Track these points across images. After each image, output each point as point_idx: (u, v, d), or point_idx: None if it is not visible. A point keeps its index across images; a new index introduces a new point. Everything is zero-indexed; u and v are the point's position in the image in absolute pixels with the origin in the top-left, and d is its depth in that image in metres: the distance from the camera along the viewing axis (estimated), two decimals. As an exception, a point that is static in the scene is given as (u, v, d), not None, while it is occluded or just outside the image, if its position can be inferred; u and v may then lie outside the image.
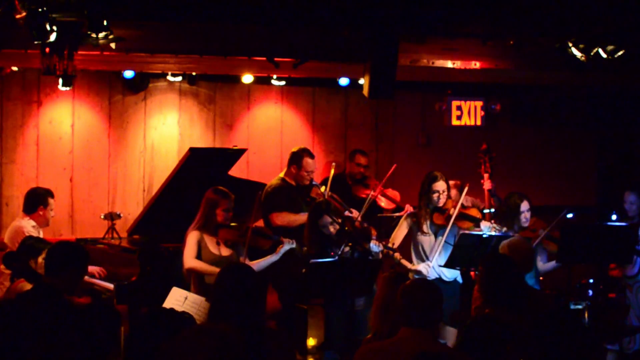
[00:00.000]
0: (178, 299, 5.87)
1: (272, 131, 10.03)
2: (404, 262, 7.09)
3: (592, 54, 6.88)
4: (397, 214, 7.90)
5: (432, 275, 6.97)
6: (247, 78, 9.32)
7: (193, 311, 5.64)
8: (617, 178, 10.52)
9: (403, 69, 7.36)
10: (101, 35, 6.10)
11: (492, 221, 7.21)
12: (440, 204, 7.09)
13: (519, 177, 10.25)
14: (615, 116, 10.68)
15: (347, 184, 9.07)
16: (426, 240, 7.11)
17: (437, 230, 7.10)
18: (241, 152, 8.38)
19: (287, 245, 6.79)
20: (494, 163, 7.88)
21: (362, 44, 6.95)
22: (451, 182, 7.43)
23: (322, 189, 7.92)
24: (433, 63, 7.90)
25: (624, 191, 8.17)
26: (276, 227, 7.51)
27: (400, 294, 4.38)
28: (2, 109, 9.14)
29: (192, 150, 7.89)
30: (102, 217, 8.47)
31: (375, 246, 6.89)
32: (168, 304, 5.78)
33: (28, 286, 5.44)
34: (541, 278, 7.19)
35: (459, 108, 10.22)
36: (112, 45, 6.57)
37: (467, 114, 10.23)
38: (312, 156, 7.94)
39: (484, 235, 6.75)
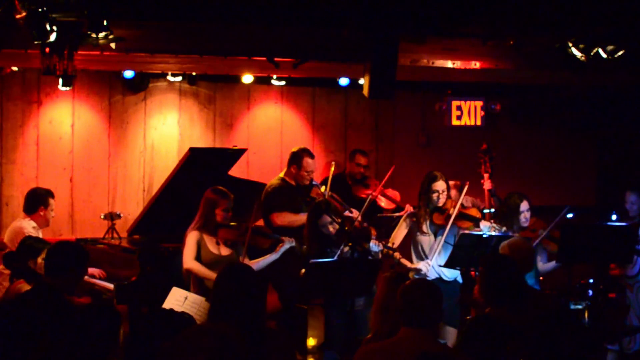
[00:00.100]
0: (178, 299, 5.87)
1: (272, 131, 10.04)
2: (404, 261, 7.09)
3: (592, 54, 6.88)
4: (397, 214, 7.89)
5: (432, 274, 6.97)
6: (247, 78, 9.32)
7: (193, 311, 5.64)
8: (617, 178, 10.52)
9: (403, 69, 7.36)
10: (101, 35, 6.11)
11: (492, 221, 7.21)
12: (440, 204, 7.09)
13: (519, 177, 10.24)
14: (615, 116, 10.67)
15: (347, 184, 9.07)
16: (426, 240, 7.11)
17: (437, 230, 7.10)
18: (241, 152, 8.38)
19: (287, 244, 6.79)
20: (494, 163, 7.87)
21: (362, 44, 6.95)
22: (451, 183, 7.43)
23: (322, 188, 7.92)
24: (433, 63, 7.91)
25: (624, 191, 8.17)
26: (277, 227, 7.51)
27: (400, 294, 4.38)
28: (2, 109, 9.14)
29: (192, 150, 7.89)
30: (102, 217, 8.48)
31: (375, 246, 6.89)
32: (168, 304, 5.78)
33: (27, 287, 5.44)
34: (541, 278, 7.19)
35: (459, 108, 10.21)
36: (112, 45, 6.57)
37: (467, 114, 10.22)
38: (312, 156, 7.94)
39: (484, 235, 6.74)
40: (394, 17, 6.65)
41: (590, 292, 7.36)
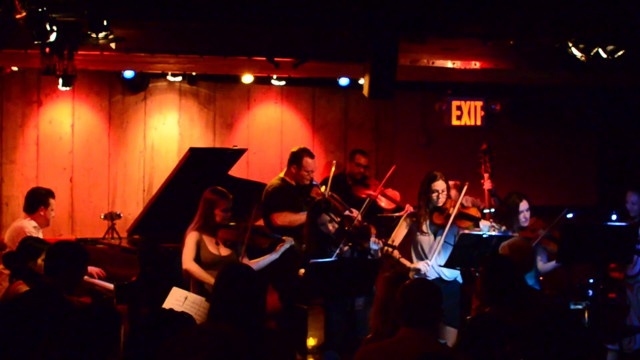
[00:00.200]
0: (178, 299, 5.86)
1: (272, 131, 10.03)
2: (403, 260, 7.09)
3: (592, 54, 6.88)
4: (397, 214, 7.90)
5: (432, 274, 6.97)
6: (247, 78, 9.32)
7: (193, 311, 5.64)
8: (617, 178, 10.52)
9: (403, 69, 7.36)
10: (101, 35, 6.11)
11: (492, 220, 7.21)
12: (440, 204, 7.08)
13: (519, 177, 10.25)
14: (615, 116, 10.68)
15: (347, 184, 9.07)
16: (425, 240, 7.11)
17: (437, 230, 7.10)
18: (241, 152, 8.38)
19: (287, 244, 6.80)
20: (494, 163, 7.88)
21: (362, 44, 6.95)
22: (451, 183, 7.43)
23: (322, 188, 7.92)
24: (433, 63, 7.91)
25: (624, 191, 8.17)
26: (277, 227, 7.51)
27: (399, 294, 4.38)
28: (2, 109, 9.14)
29: (192, 150, 7.89)
30: (102, 217, 8.47)
31: (374, 244, 6.89)
32: (168, 304, 5.78)
33: (25, 288, 5.43)
34: (541, 278, 7.19)
35: (459, 108, 10.21)
36: (112, 45, 6.57)
37: (467, 114, 10.22)
38: (312, 156, 7.94)
39: (484, 235, 6.75)
40: (394, 17, 6.65)
41: (590, 292, 7.37)
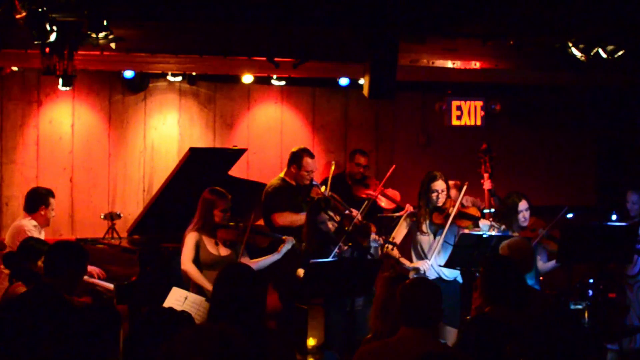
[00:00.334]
0: (178, 299, 5.86)
1: (272, 131, 10.03)
2: (403, 260, 7.09)
3: (592, 54, 6.89)
4: (397, 214, 7.90)
5: (431, 274, 6.97)
6: (247, 78, 9.32)
7: (193, 311, 5.64)
8: (617, 178, 10.53)
9: (403, 69, 7.36)
10: (101, 35, 6.11)
11: (491, 220, 7.21)
12: (440, 204, 7.09)
13: (519, 177, 10.25)
14: (615, 116, 10.68)
15: (347, 184, 9.07)
16: (425, 239, 7.11)
17: (437, 230, 7.10)
18: (241, 152, 8.38)
19: (288, 244, 6.80)
20: (494, 163, 7.88)
21: (362, 44, 6.95)
22: (451, 183, 7.43)
23: (322, 188, 7.92)
24: (433, 63, 7.91)
25: (624, 191, 8.18)
26: (278, 227, 7.51)
27: (399, 294, 4.38)
28: (2, 109, 9.13)
29: (192, 150, 7.89)
30: (102, 217, 8.47)
31: (374, 241, 6.88)
32: (168, 304, 5.77)
33: (23, 290, 5.43)
34: (541, 278, 7.20)
35: (459, 108, 10.21)
36: (112, 45, 6.57)
37: (467, 114, 10.23)
38: (312, 156, 7.94)
39: (484, 235, 6.75)
40: (394, 17, 6.65)
41: (590, 292, 7.37)
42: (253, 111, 10.00)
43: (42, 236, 7.44)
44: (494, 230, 6.98)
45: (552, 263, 7.12)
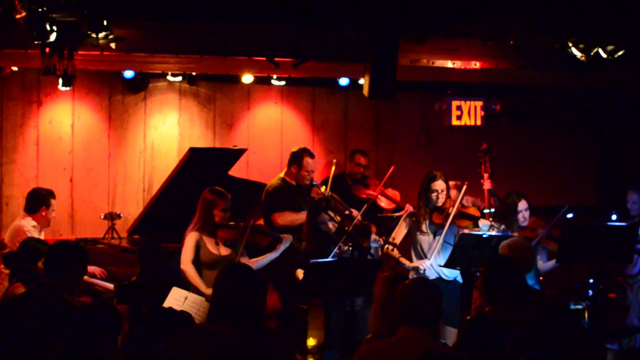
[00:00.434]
0: (178, 299, 5.87)
1: (272, 131, 10.03)
2: (403, 260, 7.09)
3: (592, 54, 6.89)
4: (397, 214, 7.90)
5: (431, 274, 6.97)
6: (247, 78, 9.32)
7: (193, 311, 5.64)
8: (617, 178, 10.53)
9: (403, 69, 7.36)
10: (101, 35, 6.11)
11: (491, 220, 7.22)
12: (440, 204, 7.08)
13: (519, 177, 10.25)
14: (615, 116, 10.68)
15: (347, 184, 9.07)
16: (425, 239, 7.11)
17: (436, 230, 7.10)
18: (241, 152, 8.38)
19: (286, 242, 6.80)
20: (494, 163, 7.88)
21: (362, 44, 6.95)
22: (451, 183, 7.42)
23: (322, 188, 7.92)
24: (433, 63, 7.91)
25: (623, 191, 8.18)
26: (278, 227, 7.51)
27: (399, 294, 4.38)
28: (2, 109, 9.13)
29: (192, 150, 7.89)
30: (102, 217, 8.47)
31: (375, 242, 6.88)
32: (168, 304, 5.78)
33: (23, 290, 5.43)
34: (541, 278, 7.20)
35: (459, 108, 10.21)
36: (112, 45, 6.57)
37: (467, 114, 10.23)
38: (312, 156, 7.94)
39: (484, 236, 6.75)
40: (394, 17, 6.65)
41: (590, 292, 7.37)
42: (253, 111, 10.00)
43: (41, 236, 7.44)
44: (493, 230, 6.98)
45: (552, 263, 7.12)
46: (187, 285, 6.42)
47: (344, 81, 9.64)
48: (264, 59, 7.51)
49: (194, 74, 9.41)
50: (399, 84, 7.34)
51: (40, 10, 5.80)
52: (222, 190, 6.66)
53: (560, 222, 7.18)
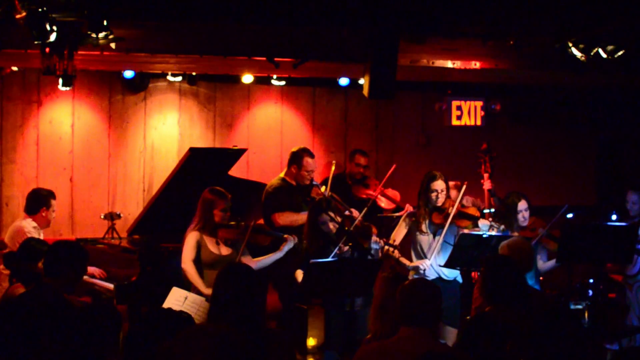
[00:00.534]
0: (178, 299, 5.87)
1: (272, 131, 10.04)
2: (403, 259, 7.08)
3: (592, 54, 6.89)
4: (397, 214, 7.90)
5: (431, 274, 6.97)
6: (247, 78, 9.32)
7: (193, 311, 5.64)
8: (617, 178, 10.53)
9: (403, 69, 7.36)
10: (101, 35, 6.11)
11: (491, 220, 7.21)
12: (439, 204, 7.08)
13: (519, 177, 10.25)
14: (615, 116, 10.68)
15: (347, 184, 9.07)
16: (425, 239, 7.11)
17: (436, 230, 7.09)
18: (241, 152, 8.38)
19: (290, 243, 6.80)
20: (494, 163, 7.88)
21: (362, 44, 6.95)
22: (451, 183, 7.42)
23: (322, 188, 7.92)
24: (433, 63, 7.91)
25: (624, 191, 8.18)
26: (278, 227, 7.51)
27: (399, 294, 4.38)
28: (2, 109, 9.14)
29: (192, 150, 7.89)
30: (102, 217, 8.48)
31: (375, 243, 6.88)
32: (168, 304, 5.78)
33: (22, 291, 5.43)
34: (541, 278, 7.19)
35: (459, 108, 10.22)
36: (112, 45, 6.57)
37: (467, 114, 10.23)
38: (312, 156, 7.94)
39: (484, 236, 6.75)
40: (394, 17, 6.65)
41: (590, 292, 7.37)
42: (253, 111, 10.00)
43: (41, 237, 7.44)
44: (493, 230, 6.98)
45: (552, 263, 7.12)
46: (187, 285, 6.42)
47: (344, 81, 9.65)
48: (264, 59, 7.51)
49: (194, 74, 9.41)
50: (399, 84, 7.34)
51: (40, 10, 5.80)
52: (222, 190, 6.66)
53: (560, 221, 7.18)
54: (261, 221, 7.77)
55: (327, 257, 6.49)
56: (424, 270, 6.98)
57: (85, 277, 6.76)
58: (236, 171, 8.36)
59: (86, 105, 9.39)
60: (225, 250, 6.61)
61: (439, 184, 7.08)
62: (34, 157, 9.22)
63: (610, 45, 6.86)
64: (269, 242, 6.89)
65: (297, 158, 7.88)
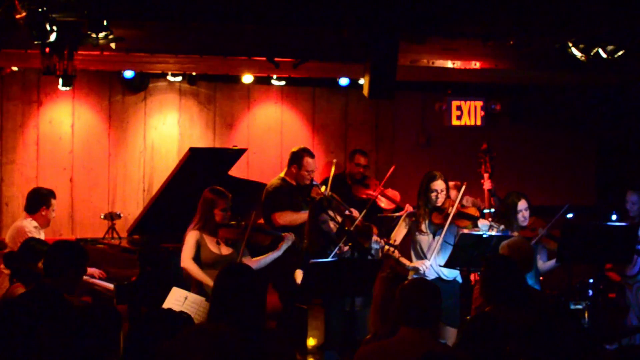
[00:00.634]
0: (178, 299, 5.86)
1: (272, 131, 10.04)
2: (403, 260, 7.08)
3: (592, 54, 6.89)
4: (397, 214, 7.89)
5: (431, 274, 6.97)
6: (247, 78, 9.32)
7: (193, 311, 5.64)
8: (617, 178, 10.52)
9: (403, 69, 7.36)
10: (101, 35, 6.12)
11: (490, 220, 7.21)
12: (439, 204, 7.07)
13: (519, 177, 10.25)
14: (615, 116, 10.68)
15: (347, 184, 9.06)
16: (424, 239, 7.10)
17: (436, 230, 7.09)
18: (241, 152, 8.38)
19: (288, 241, 6.80)
20: (494, 163, 7.87)
21: (362, 44, 6.96)
22: (451, 183, 7.41)
23: (322, 188, 7.92)
24: (433, 63, 7.91)
25: (624, 191, 8.18)
26: (279, 226, 7.52)
27: (398, 294, 4.38)
28: (2, 109, 9.14)
29: (192, 150, 7.89)
30: (102, 217, 8.48)
31: (376, 243, 6.88)
32: (168, 304, 5.78)
33: (22, 291, 5.43)
34: (541, 278, 7.19)
35: (459, 108, 10.21)
36: (112, 45, 6.57)
37: (467, 114, 10.23)
38: (312, 156, 7.94)
39: (484, 236, 6.74)
40: (394, 17, 6.66)
41: (590, 292, 7.37)
42: (253, 111, 10.00)
43: (42, 237, 7.44)
44: (493, 230, 6.98)
45: (552, 262, 7.12)
46: (188, 285, 6.42)
47: (344, 81, 9.64)
48: (264, 59, 7.51)
49: (194, 74, 9.41)
50: (399, 84, 7.34)
51: (40, 10, 5.81)
52: (222, 189, 6.66)
53: (560, 221, 7.18)
54: (261, 221, 7.78)
55: (327, 257, 6.49)
56: (424, 271, 6.98)
57: (85, 277, 6.76)
58: (236, 171, 8.36)
59: (86, 105, 9.39)
60: (225, 250, 6.61)
61: (439, 184, 7.08)
62: (34, 157, 9.22)
63: (610, 45, 6.86)
64: (270, 242, 6.89)
65: (297, 158, 7.88)
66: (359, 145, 9.85)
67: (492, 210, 7.79)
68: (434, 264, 7.00)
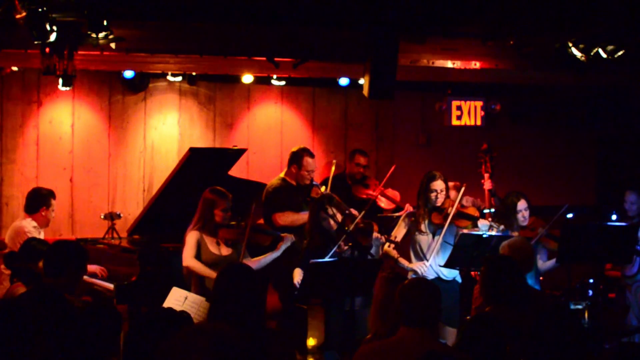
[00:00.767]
0: (178, 299, 5.86)
1: (272, 131, 10.04)
2: (402, 260, 7.08)
3: (592, 54, 6.89)
4: (397, 214, 7.89)
5: (430, 274, 6.97)
6: (247, 78, 9.32)
7: (193, 311, 5.64)
8: (617, 178, 10.53)
9: (403, 69, 7.37)
10: (101, 35, 6.12)
11: (490, 220, 7.21)
12: (439, 204, 7.07)
13: (519, 177, 10.25)
14: (615, 116, 10.68)
15: (347, 184, 9.06)
16: (424, 239, 7.10)
17: (435, 230, 7.09)
18: (241, 152, 8.38)
19: (288, 241, 6.80)
20: (494, 163, 7.87)
21: (362, 44, 6.96)
22: (451, 184, 7.41)
23: (322, 188, 7.92)
24: (433, 63, 7.91)
25: (623, 191, 8.18)
26: (279, 227, 7.52)
27: (398, 294, 4.38)
28: (2, 109, 9.14)
29: (192, 150, 7.89)
30: (102, 217, 8.48)
31: (377, 239, 6.87)
32: (168, 304, 5.77)
33: (23, 290, 5.43)
34: (541, 278, 7.19)
35: (459, 108, 10.20)
36: (112, 45, 6.58)
37: (467, 114, 10.22)
38: (312, 155, 7.94)
39: (484, 236, 6.74)
40: (394, 17, 6.66)
41: (590, 292, 7.37)
42: (253, 111, 10.00)
43: (41, 237, 7.45)
44: (493, 230, 6.98)
45: (552, 262, 7.12)
46: (188, 285, 6.42)
47: (344, 81, 9.64)
48: (264, 59, 7.51)
49: (194, 74, 9.41)
50: (399, 84, 7.34)
51: (40, 10, 5.81)
52: (222, 190, 6.66)
53: (560, 221, 7.18)
54: (261, 221, 7.78)
55: (327, 255, 6.49)
56: (422, 273, 6.98)
57: (85, 276, 6.76)
58: (236, 171, 8.36)
59: (86, 105, 9.39)
60: (225, 251, 6.62)
61: (439, 184, 7.08)
62: (34, 157, 9.22)
63: (610, 45, 6.87)
64: (270, 242, 6.89)
65: (297, 158, 7.88)
66: (359, 145, 9.85)
67: (492, 210, 7.79)
68: (433, 263, 6.99)
